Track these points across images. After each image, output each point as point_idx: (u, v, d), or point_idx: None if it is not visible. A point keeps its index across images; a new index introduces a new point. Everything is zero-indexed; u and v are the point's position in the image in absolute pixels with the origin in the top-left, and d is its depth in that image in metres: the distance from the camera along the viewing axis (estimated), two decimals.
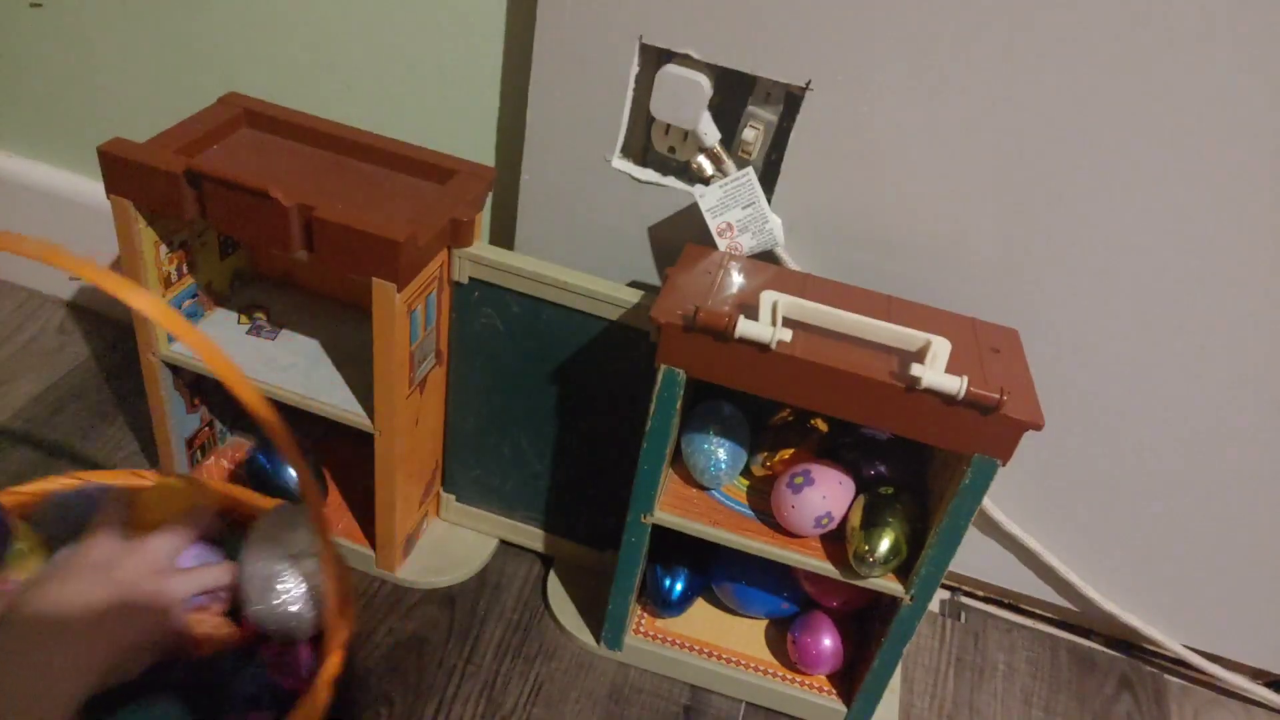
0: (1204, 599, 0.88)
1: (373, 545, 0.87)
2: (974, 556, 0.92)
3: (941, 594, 0.99)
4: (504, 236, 0.92)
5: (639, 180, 0.79)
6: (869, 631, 0.84)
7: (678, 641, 0.85)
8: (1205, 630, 0.91)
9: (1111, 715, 0.91)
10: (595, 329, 0.77)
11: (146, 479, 0.74)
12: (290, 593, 0.63)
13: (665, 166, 0.80)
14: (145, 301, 0.47)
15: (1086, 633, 0.98)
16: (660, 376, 0.67)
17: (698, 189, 0.76)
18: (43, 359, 1.05)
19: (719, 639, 0.86)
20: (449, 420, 0.87)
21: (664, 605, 0.85)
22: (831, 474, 0.73)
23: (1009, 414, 0.61)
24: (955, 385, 0.61)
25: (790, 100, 0.74)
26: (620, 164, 0.79)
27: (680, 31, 0.72)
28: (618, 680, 0.84)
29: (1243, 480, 0.80)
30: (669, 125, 0.77)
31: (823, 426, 0.78)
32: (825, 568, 0.73)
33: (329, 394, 0.80)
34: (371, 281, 0.69)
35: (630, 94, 0.76)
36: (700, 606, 0.89)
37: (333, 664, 0.58)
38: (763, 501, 0.77)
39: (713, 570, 0.86)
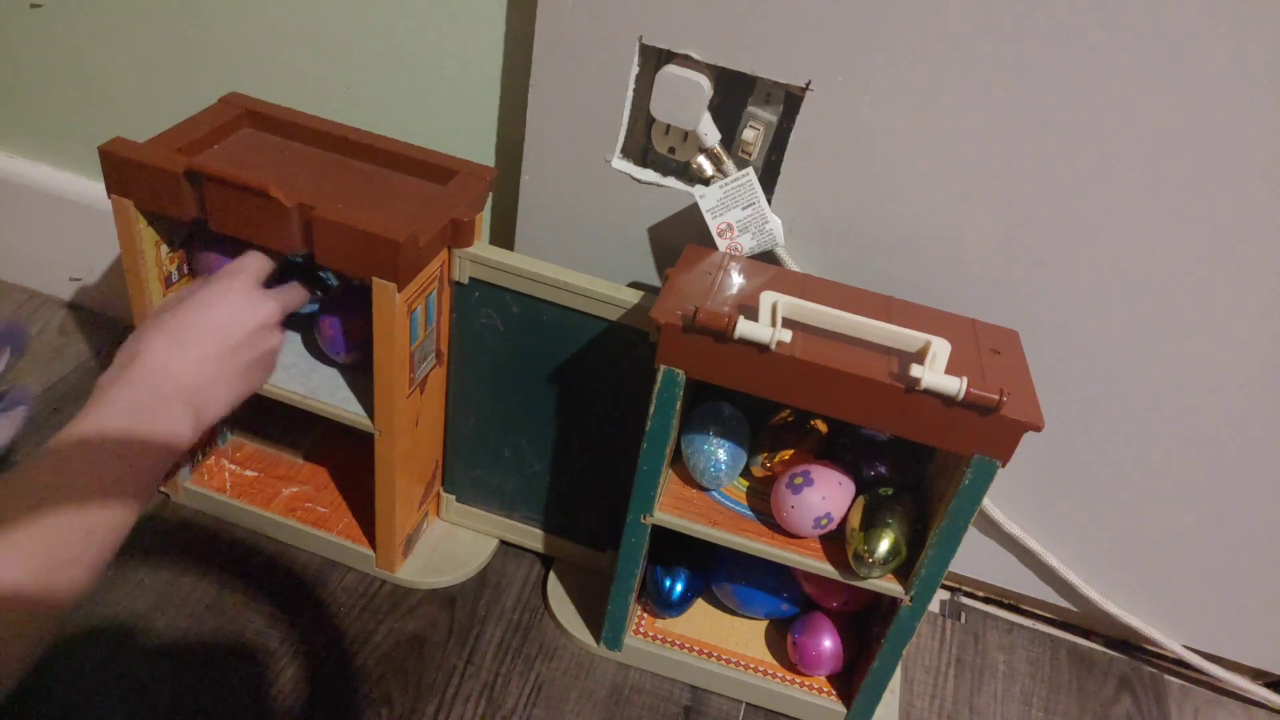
0: (1204, 599, 0.88)
1: (373, 545, 0.87)
2: (974, 556, 0.92)
3: (941, 594, 0.99)
4: (504, 236, 0.92)
5: (639, 181, 0.79)
6: (869, 632, 0.84)
7: (678, 642, 0.85)
8: (1205, 630, 0.91)
9: (1111, 715, 0.91)
10: (595, 329, 0.77)
11: None
12: None
13: (665, 167, 0.80)
14: None
15: (1086, 633, 0.98)
16: (660, 377, 0.67)
17: (698, 189, 0.76)
18: (43, 359, 1.05)
19: (719, 639, 0.86)
20: (449, 420, 0.87)
21: (664, 606, 0.85)
22: (831, 475, 0.73)
23: (1009, 415, 0.61)
24: (955, 386, 0.61)
25: (790, 100, 0.74)
26: (620, 164, 0.79)
27: (680, 31, 0.72)
28: (618, 681, 0.84)
29: (1243, 481, 0.80)
30: (669, 126, 0.77)
31: (822, 427, 0.78)
32: (825, 568, 0.73)
33: (329, 394, 0.80)
34: (372, 281, 0.69)
35: (630, 94, 0.76)
36: (700, 607, 0.89)
37: None
38: (762, 502, 0.77)
39: (713, 571, 0.86)
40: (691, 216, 0.79)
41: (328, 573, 0.88)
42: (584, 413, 0.83)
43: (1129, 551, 0.87)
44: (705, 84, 0.73)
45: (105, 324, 1.11)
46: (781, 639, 0.87)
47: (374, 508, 0.84)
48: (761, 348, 0.63)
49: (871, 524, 0.70)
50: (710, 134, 0.76)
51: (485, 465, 0.89)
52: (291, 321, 0.86)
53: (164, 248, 0.77)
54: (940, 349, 0.63)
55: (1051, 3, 0.63)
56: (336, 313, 0.80)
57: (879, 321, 0.64)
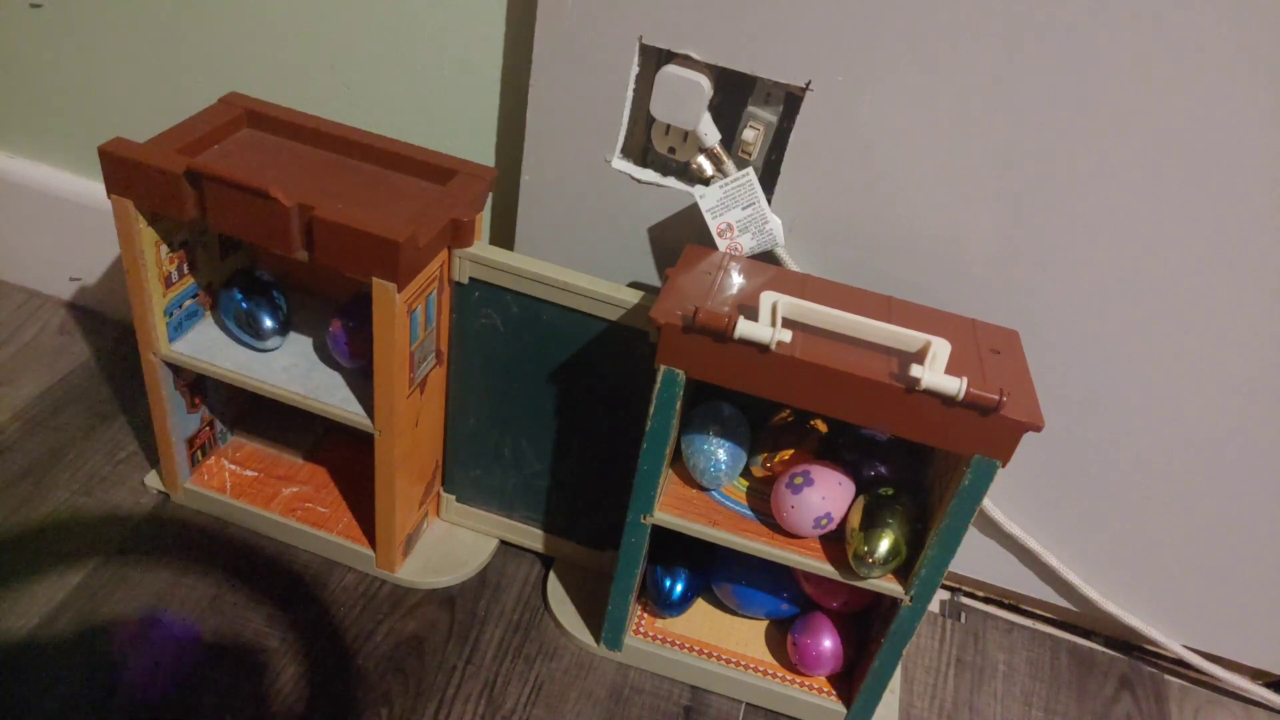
0: (1204, 599, 0.88)
1: (373, 545, 0.87)
2: (974, 556, 0.92)
3: (941, 594, 0.99)
4: (504, 236, 0.92)
5: (639, 180, 0.79)
6: (869, 632, 0.84)
7: (678, 642, 0.85)
8: (1205, 630, 0.91)
9: (1111, 715, 0.91)
10: (595, 329, 0.77)
11: None
12: None
13: (665, 167, 0.80)
14: None
15: (1086, 633, 0.98)
16: (660, 377, 0.67)
17: (698, 189, 0.76)
18: (43, 359, 1.05)
19: (719, 639, 0.86)
20: (449, 420, 0.87)
21: (664, 605, 0.85)
22: (831, 475, 0.73)
23: (1009, 415, 0.61)
24: (955, 386, 0.61)
25: (790, 100, 0.74)
26: (620, 164, 0.79)
27: (680, 31, 0.72)
28: (618, 681, 0.84)
29: (1243, 480, 0.80)
30: (669, 125, 0.77)
31: (822, 427, 0.78)
32: (825, 569, 0.73)
33: (329, 394, 0.80)
34: (372, 281, 0.69)
35: (630, 94, 0.76)
36: (700, 607, 0.89)
37: None
38: (762, 502, 0.77)
39: (713, 571, 0.86)
40: (691, 216, 0.79)
41: (328, 573, 0.88)
42: (584, 413, 0.83)
43: (1129, 551, 0.87)
44: (705, 84, 0.73)
45: (105, 324, 1.11)
46: (781, 639, 0.87)
47: (374, 508, 0.84)
48: (761, 348, 0.63)
49: (871, 524, 0.70)
50: (710, 134, 0.76)
51: (485, 465, 0.89)
52: (298, 324, 0.86)
53: (164, 248, 0.77)
54: (940, 349, 0.63)
55: (1051, 3, 0.63)
56: (348, 320, 0.80)
57: (879, 321, 0.64)
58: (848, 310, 0.65)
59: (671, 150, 0.79)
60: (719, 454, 0.75)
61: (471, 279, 0.77)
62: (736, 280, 0.72)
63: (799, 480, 0.72)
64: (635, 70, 0.75)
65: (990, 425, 0.62)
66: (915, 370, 0.61)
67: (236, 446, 0.96)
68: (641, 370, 0.77)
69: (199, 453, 0.92)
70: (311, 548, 0.89)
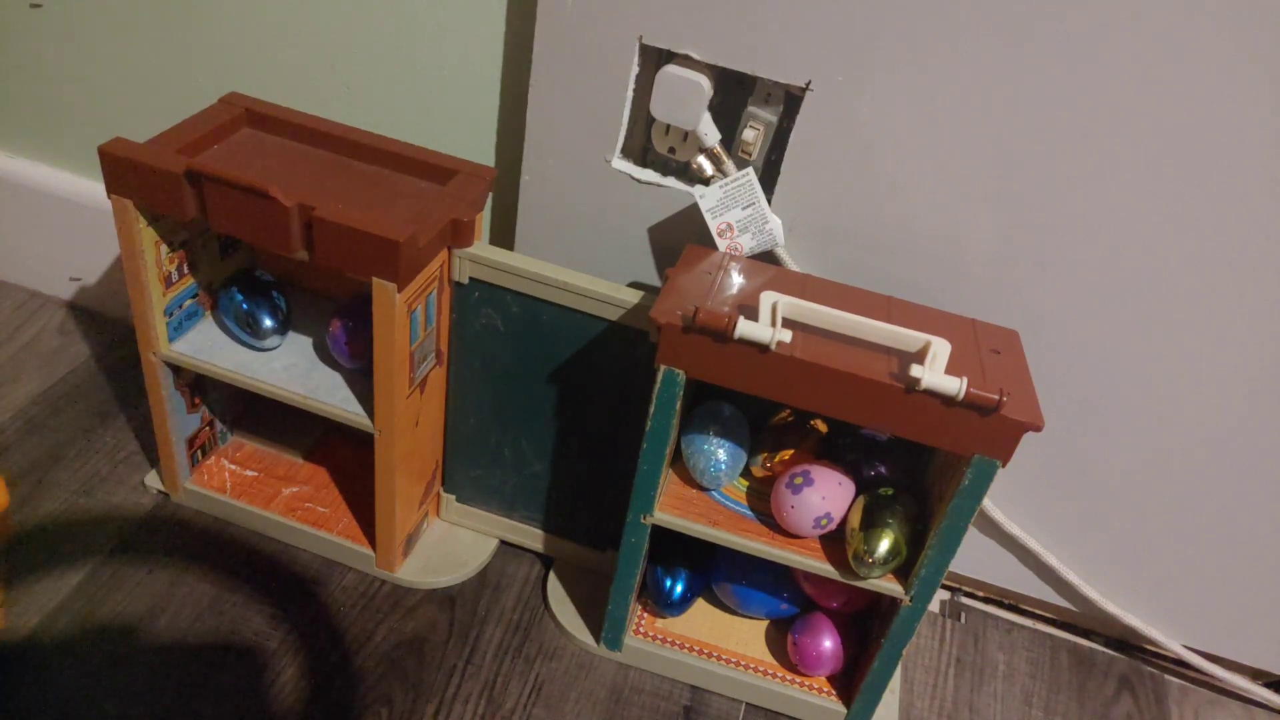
0: (1204, 599, 0.88)
1: (373, 545, 0.87)
2: (974, 556, 0.92)
3: (941, 594, 0.99)
4: (504, 236, 0.92)
5: (639, 181, 0.79)
6: (869, 632, 0.84)
7: (678, 642, 0.85)
8: (1205, 630, 0.91)
9: (1111, 715, 0.91)
10: (595, 329, 0.77)
11: None
12: None
13: (665, 167, 0.80)
14: None
15: (1086, 633, 0.98)
16: (660, 377, 0.67)
17: (698, 189, 0.76)
18: (43, 359, 1.05)
19: (719, 639, 0.86)
20: (449, 420, 0.87)
21: (664, 605, 0.85)
22: (831, 475, 0.73)
23: (1009, 415, 0.61)
24: (955, 386, 0.61)
25: (790, 100, 0.74)
26: (620, 164, 0.80)
27: (680, 31, 0.72)
28: (618, 681, 0.84)
29: (1243, 480, 0.80)
30: (669, 126, 0.77)
31: (822, 427, 0.78)
32: (825, 569, 0.73)
33: (329, 394, 0.80)
34: (372, 281, 0.69)
35: (630, 94, 0.76)
36: (700, 607, 0.89)
37: None
38: (762, 502, 0.77)
39: (713, 570, 0.86)
40: (691, 216, 0.79)
41: (328, 573, 0.88)
42: (584, 413, 0.83)
43: (1129, 551, 0.87)
44: (705, 84, 0.73)
45: (105, 324, 1.11)
46: (781, 639, 0.87)
47: (374, 508, 0.84)
48: (761, 348, 0.63)
49: (871, 524, 0.70)
50: (710, 134, 0.76)
51: (485, 465, 0.89)
52: (298, 324, 0.86)
53: (164, 248, 0.77)
54: (940, 349, 0.63)
55: (1051, 3, 0.63)
56: (348, 320, 0.80)
57: (879, 321, 0.64)
58: (848, 310, 0.65)
59: (671, 150, 0.79)
60: (719, 454, 0.75)
61: (471, 279, 0.77)
62: (736, 280, 0.72)
63: (799, 480, 0.72)
64: (635, 70, 0.75)
65: (990, 425, 0.62)
66: (915, 370, 0.61)
67: (236, 446, 0.96)
68: (641, 370, 0.77)
69: (199, 453, 0.92)
70: (311, 548, 0.89)
